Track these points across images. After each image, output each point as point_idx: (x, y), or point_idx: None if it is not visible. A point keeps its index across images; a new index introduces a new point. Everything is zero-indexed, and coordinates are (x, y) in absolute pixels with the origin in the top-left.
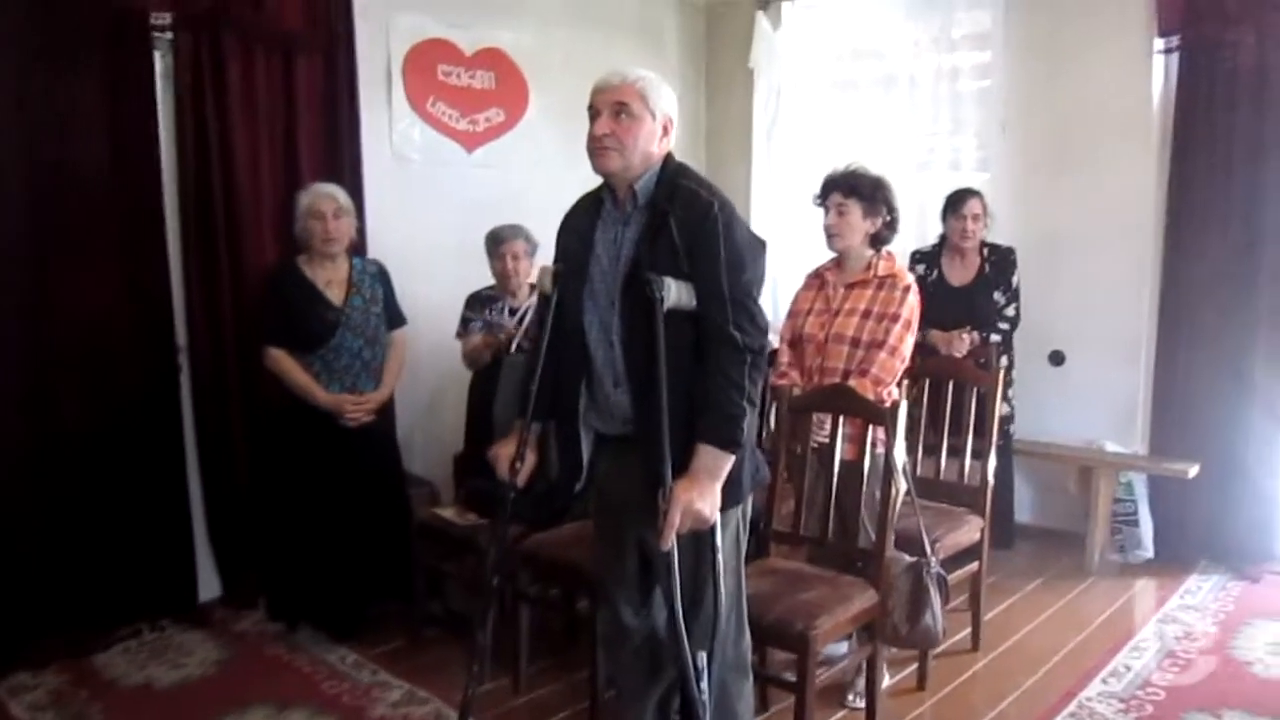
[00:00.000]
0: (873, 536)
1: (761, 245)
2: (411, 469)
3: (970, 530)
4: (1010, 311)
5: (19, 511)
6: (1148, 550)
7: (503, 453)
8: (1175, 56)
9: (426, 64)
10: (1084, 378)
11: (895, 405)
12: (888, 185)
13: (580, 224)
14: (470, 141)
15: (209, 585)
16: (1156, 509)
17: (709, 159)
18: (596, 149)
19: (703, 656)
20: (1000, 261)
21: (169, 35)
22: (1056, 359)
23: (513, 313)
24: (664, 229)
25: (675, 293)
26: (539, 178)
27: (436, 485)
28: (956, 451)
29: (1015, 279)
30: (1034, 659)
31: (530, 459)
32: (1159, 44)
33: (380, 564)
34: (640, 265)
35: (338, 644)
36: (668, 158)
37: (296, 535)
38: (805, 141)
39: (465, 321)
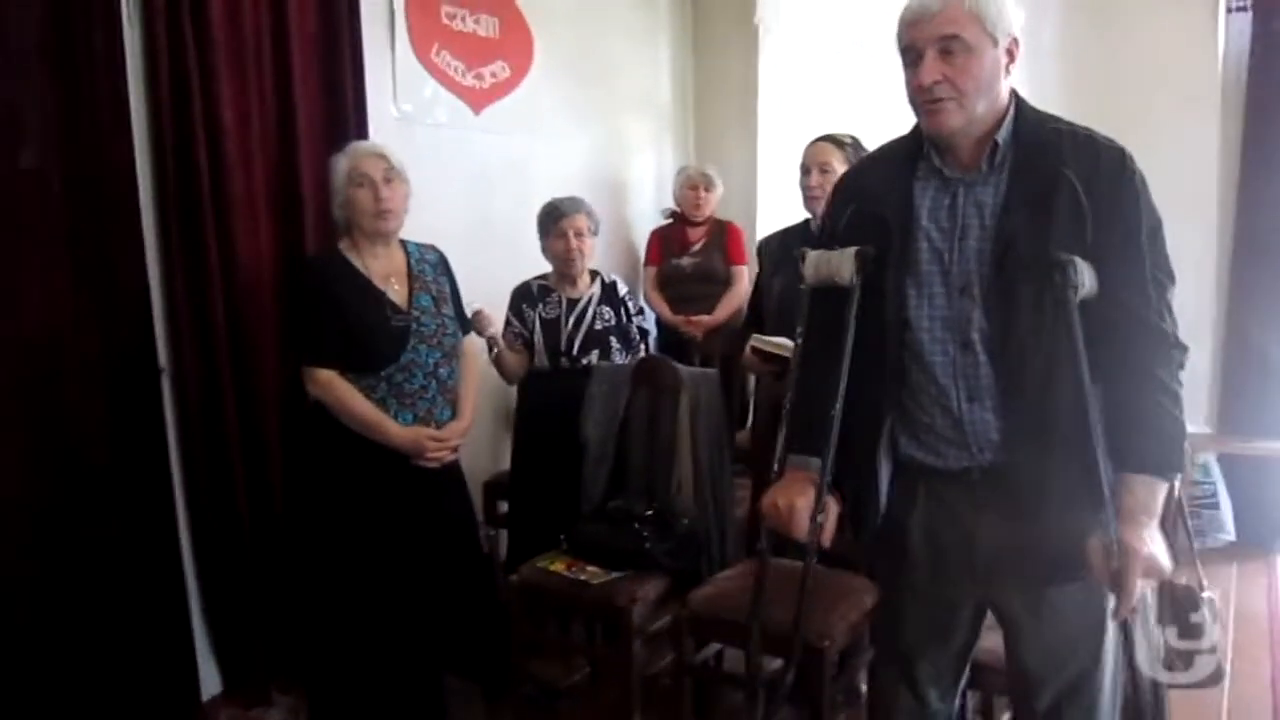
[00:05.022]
0: None
1: None
2: None
3: None
4: None
5: None
6: (1229, 533)
7: (798, 503)
8: (1242, 15)
9: (430, 1)
10: None
11: None
12: None
13: (888, 189)
14: (477, 100)
15: (207, 679)
16: (1233, 490)
17: (698, 128)
18: (927, 104)
19: None
20: None
21: None
22: None
23: (572, 306)
24: (1060, 191)
25: (1090, 280)
26: (539, 146)
27: (489, 526)
28: None
29: None
30: None
31: (834, 510)
32: (1225, 2)
33: (464, 641)
34: (1019, 241)
35: None
36: (1013, 93)
37: (350, 617)
38: (828, 107)
39: (508, 324)
